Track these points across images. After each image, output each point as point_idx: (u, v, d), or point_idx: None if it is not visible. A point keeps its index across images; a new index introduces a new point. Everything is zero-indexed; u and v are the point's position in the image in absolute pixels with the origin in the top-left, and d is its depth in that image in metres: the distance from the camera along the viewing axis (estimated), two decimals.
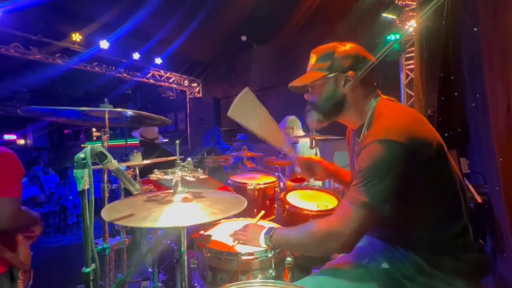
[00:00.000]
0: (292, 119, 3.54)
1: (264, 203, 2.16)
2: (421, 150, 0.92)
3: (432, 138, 0.96)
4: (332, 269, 1.08)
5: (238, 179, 2.32)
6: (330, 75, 1.07)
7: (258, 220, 1.54)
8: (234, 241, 1.31)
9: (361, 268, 1.04)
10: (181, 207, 0.94)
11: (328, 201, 1.89)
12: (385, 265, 1.01)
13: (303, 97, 1.18)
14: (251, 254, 1.22)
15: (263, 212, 1.58)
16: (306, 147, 3.37)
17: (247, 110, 1.15)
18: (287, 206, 1.79)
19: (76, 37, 4.74)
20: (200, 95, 7.47)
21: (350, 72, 1.06)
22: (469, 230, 1.00)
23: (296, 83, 1.14)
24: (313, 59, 1.13)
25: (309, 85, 1.13)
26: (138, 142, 3.58)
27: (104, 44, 4.93)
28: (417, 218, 1.00)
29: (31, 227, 1.53)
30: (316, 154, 2.41)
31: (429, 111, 3.50)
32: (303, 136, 3.42)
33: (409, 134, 0.90)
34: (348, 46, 1.09)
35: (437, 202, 0.99)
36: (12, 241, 1.41)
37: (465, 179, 2.15)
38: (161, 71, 6.64)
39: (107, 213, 0.89)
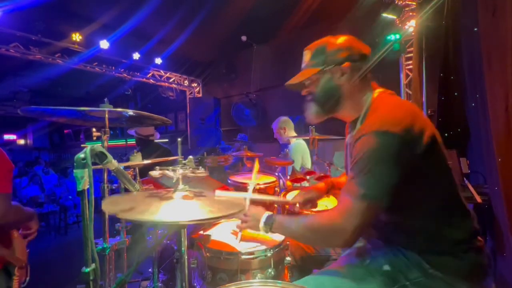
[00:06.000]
0: (284, 120, 3.52)
1: (264, 203, 2.15)
2: (416, 142, 0.91)
3: (427, 130, 0.95)
4: (333, 270, 1.07)
5: (238, 179, 2.32)
6: (325, 69, 1.08)
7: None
8: (237, 237, 1.31)
9: (363, 268, 1.03)
10: (180, 205, 0.94)
11: (328, 202, 1.89)
12: (386, 267, 1.00)
13: (303, 96, 1.18)
14: (250, 253, 1.22)
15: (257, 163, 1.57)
16: (298, 148, 3.37)
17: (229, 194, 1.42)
18: (287, 206, 1.79)
19: (76, 37, 4.73)
20: (200, 95, 7.47)
21: (346, 64, 1.06)
22: (470, 229, 0.99)
23: (293, 81, 1.14)
24: (307, 55, 1.14)
25: (306, 81, 1.13)
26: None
27: (104, 44, 4.92)
28: (415, 216, 0.99)
29: (27, 223, 1.50)
30: (315, 154, 2.42)
31: (429, 111, 3.50)
32: (295, 137, 3.42)
33: (404, 126, 0.90)
34: (342, 39, 1.10)
35: (434, 199, 0.98)
36: (7, 238, 1.40)
37: (465, 179, 2.15)
38: (161, 71, 6.63)
39: (107, 206, 0.89)
